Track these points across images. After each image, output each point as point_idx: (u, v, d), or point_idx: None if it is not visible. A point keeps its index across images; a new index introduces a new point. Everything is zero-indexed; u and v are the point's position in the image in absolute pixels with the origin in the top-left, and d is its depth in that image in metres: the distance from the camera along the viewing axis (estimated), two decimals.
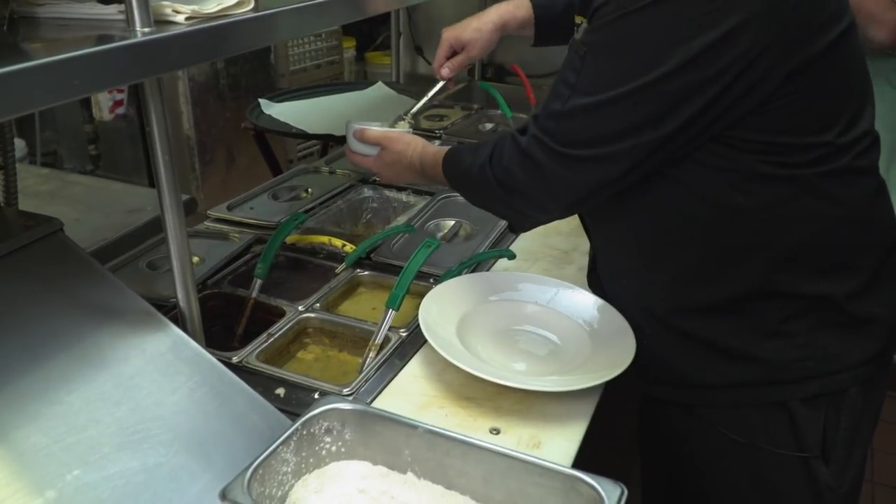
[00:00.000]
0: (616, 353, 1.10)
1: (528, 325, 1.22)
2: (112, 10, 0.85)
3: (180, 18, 0.82)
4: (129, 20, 0.78)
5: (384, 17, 3.03)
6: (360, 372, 1.14)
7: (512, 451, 0.83)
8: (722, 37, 0.83)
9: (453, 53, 1.36)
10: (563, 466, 0.80)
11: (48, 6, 0.90)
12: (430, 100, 1.39)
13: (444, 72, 1.36)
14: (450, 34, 1.34)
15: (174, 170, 0.96)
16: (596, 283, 1.24)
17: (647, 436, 1.31)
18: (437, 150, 1.20)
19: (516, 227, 1.26)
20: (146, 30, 0.79)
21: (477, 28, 1.33)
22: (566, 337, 1.19)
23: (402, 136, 1.24)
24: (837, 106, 0.94)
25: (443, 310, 1.19)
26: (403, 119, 1.38)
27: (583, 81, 0.92)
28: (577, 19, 1.03)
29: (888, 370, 1.09)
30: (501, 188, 1.04)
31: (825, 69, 0.90)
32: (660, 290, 1.07)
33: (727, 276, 1.00)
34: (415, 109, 1.39)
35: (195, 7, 0.84)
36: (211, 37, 0.86)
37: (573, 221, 1.64)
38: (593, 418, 1.08)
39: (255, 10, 0.92)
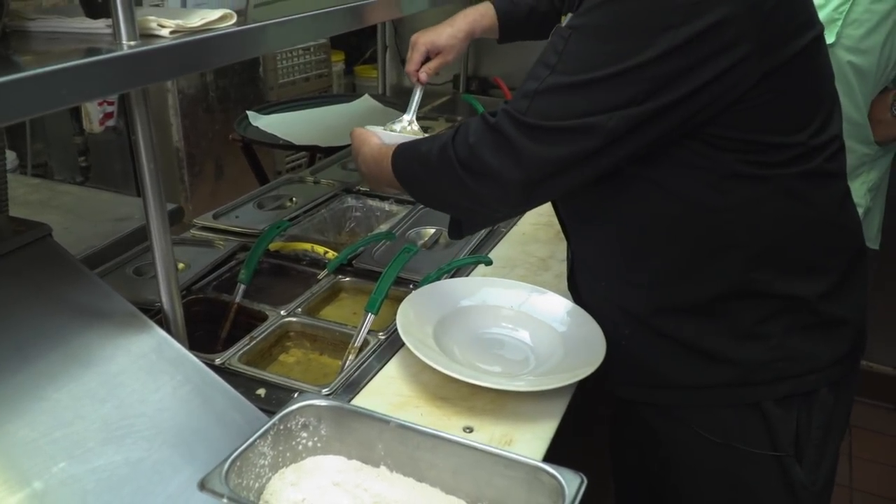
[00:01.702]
0: (587, 354, 1.15)
1: (502, 328, 1.26)
2: (100, 24, 0.89)
3: (165, 32, 0.87)
4: (115, 34, 0.82)
5: (372, 31, 3.09)
6: (340, 374, 1.18)
7: (478, 444, 0.87)
8: (708, 27, 0.86)
9: (426, 58, 1.40)
10: (527, 458, 0.84)
11: (39, 21, 0.94)
12: (419, 105, 1.41)
13: (423, 76, 1.40)
14: (425, 39, 1.38)
15: (159, 178, 0.99)
16: (575, 287, 1.27)
17: (620, 438, 1.35)
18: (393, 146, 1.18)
19: (464, 226, 1.17)
20: (132, 43, 0.83)
21: (452, 35, 1.37)
22: (539, 339, 1.23)
23: (365, 132, 1.21)
24: (810, 108, 0.99)
25: (420, 314, 1.23)
26: (405, 123, 1.38)
27: (564, 62, 0.93)
28: (563, 19, 1.06)
29: (857, 370, 1.14)
30: (464, 170, 1.00)
31: (798, 72, 0.95)
32: (639, 291, 1.10)
33: (704, 276, 1.04)
34: (410, 116, 1.40)
35: (180, 21, 0.89)
36: (194, 50, 0.90)
37: (552, 230, 1.69)
38: (566, 419, 1.12)
39: (238, 24, 0.96)
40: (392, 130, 1.31)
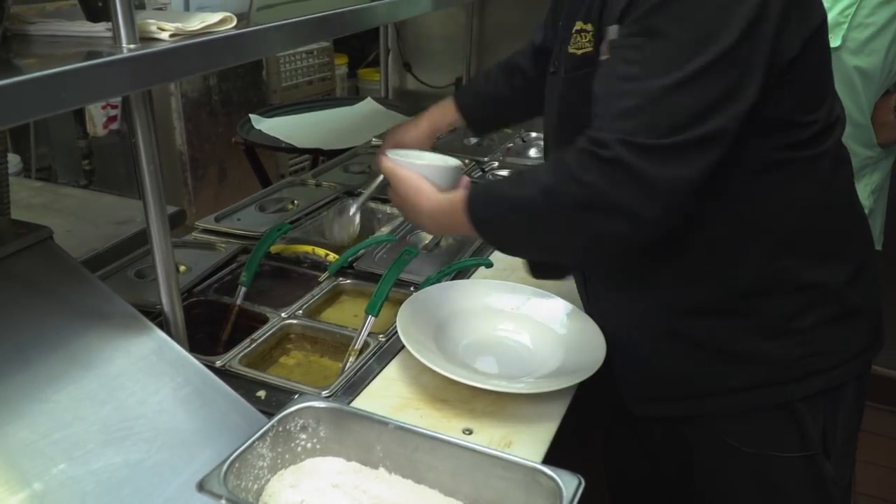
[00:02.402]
0: (587, 357, 1.15)
1: (503, 331, 1.26)
2: (100, 28, 0.89)
3: (165, 35, 0.87)
4: (115, 37, 0.83)
5: (375, 34, 3.10)
6: (340, 375, 1.18)
7: (477, 445, 0.87)
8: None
9: None
10: (525, 460, 0.84)
11: (39, 24, 0.94)
12: (374, 190, 1.32)
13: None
14: (391, 139, 1.37)
15: (159, 180, 1.00)
16: (590, 296, 1.24)
17: (624, 450, 1.34)
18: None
19: (585, 259, 1.09)
20: (132, 46, 0.83)
21: (416, 137, 1.36)
22: (539, 341, 1.23)
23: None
24: (825, 83, 1.01)
25: (420, 316, 1.23)
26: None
27: (651, 67, 0.88)
28: (578, 25, 1.03)
29: (871, 363, 1.14)
30: (584, 211, 0.91)
31: (822, 43, 0.96)
32: (663, 295, 1.08)
33: (731, 270, 1.02)
34: (363, 199, 1.34)
35: (179, 24, 0.89)
36: (194, 53, 0.90)
37: None
38: (565, 422, 1.12)
39: (238, 27, 0.97)
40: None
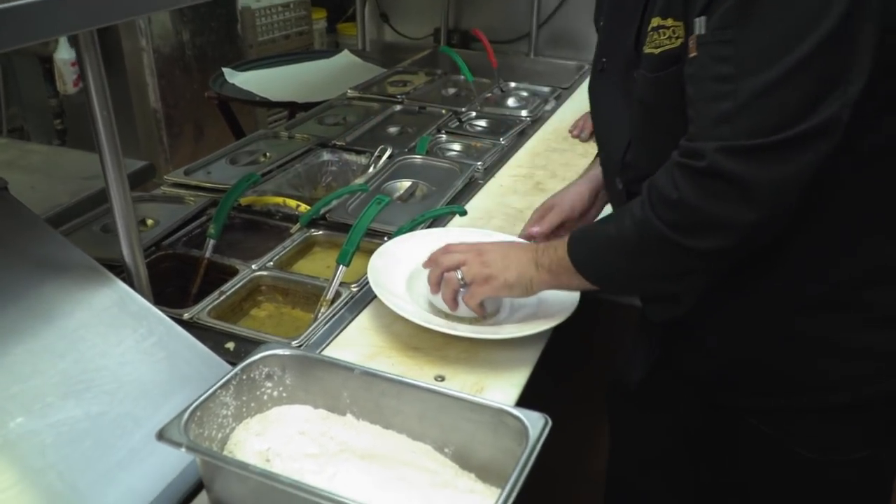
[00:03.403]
0: (561, 301, 1.13)
1: None
2: None
3: None
4: None
5: None
6: (311, 326, 1.16)
7: (443, 388, 0.85)
8: None
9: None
10: (491, 401, 0.82)
11: None
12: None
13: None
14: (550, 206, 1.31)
15: (113, 127, 0.97)
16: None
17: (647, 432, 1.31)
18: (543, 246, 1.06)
19: (684, 298, 1.01)
20: None
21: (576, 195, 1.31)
22: None
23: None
24: None
25: (392, 264, 1.21)
26: None
27: (746, 63, 0.80)
28: (654, 21, 0.92)
29: None
30: (680, 233, 0.86)
31: None
32: (773, 290, 0.98)
33: (842, 261, 0.95)
34: None
35: None
36: None
37: (530, 181, 1.67)
38: (539, 367, 1.11)
39: None
40: None
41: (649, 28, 0.93)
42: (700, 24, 0.84)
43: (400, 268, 1.22)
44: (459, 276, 1.07)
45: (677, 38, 0.89)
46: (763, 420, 1.05)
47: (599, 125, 1.18)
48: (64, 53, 2.64)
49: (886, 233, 0.94)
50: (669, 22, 0.90)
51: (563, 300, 1.12)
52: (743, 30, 0.80)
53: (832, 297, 0.96)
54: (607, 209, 1.25)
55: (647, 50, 0.94)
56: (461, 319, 1.15)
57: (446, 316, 1.15)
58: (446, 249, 1.12)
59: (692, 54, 0.85)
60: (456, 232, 1.35)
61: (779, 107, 0.80)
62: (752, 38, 0.80)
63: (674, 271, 0.94)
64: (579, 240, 1.00)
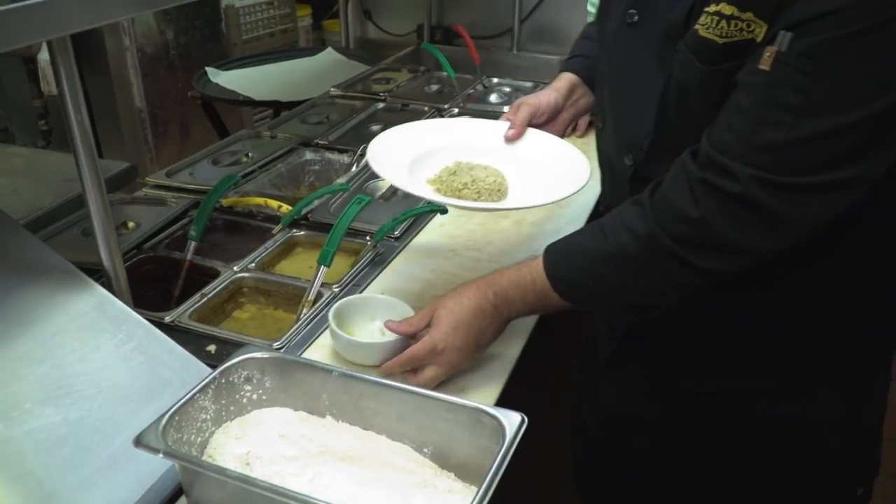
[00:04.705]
0: (572, 174, 1.11)
1: (481, 160, 1.18)
2: None
3: None
4: None
5: None
6: (293, 327, 1.16)
7: (420, 389, 0.86)
8: None
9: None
10: (467, 401, 0.83)
11: None
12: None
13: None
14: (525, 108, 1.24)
15: (88, 129, 0.97)
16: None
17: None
18: (510, 273, 1.00)
19: (681, 296, 0.95)
20: None
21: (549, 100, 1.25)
22: (519, 168, 1.18)
23: (450, 295, 1.02)
24: None
25: (394, 150, 1.16)
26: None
27: (815, 103, 0.77)
28: (725, 8, 0.83)
29: None
30: (689, 248, 0.85)
31: None
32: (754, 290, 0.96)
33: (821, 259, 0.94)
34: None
35: None
36: None
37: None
38: (519, 365, 1.12)
39: None
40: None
41: (711, 10, 0.84)
42: (784, 40, 0.78)
43: (401, 155, 1.16)
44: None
45: (750, 32, 0.82)
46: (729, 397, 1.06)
47: (616, 87, 1.05)
48: (48, 54, 2.62)
49: (875, 234, 0.93)
50: (748, 16, 0.81)
51: (576, 173, 1.11)
52: (827, 68, 0.76)
53: (805, 294, 0.96)
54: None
55: (704, 34, 0.85)
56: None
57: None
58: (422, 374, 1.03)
59: (763, 66, 0.79)
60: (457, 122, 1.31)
61: (830, 153, 0.79)
62: (833, 79, 0.77)
63: (668, 286, 0.92)
64: (557, 254, 0.97)
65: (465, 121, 1.35)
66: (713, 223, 0.83)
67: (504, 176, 1.15)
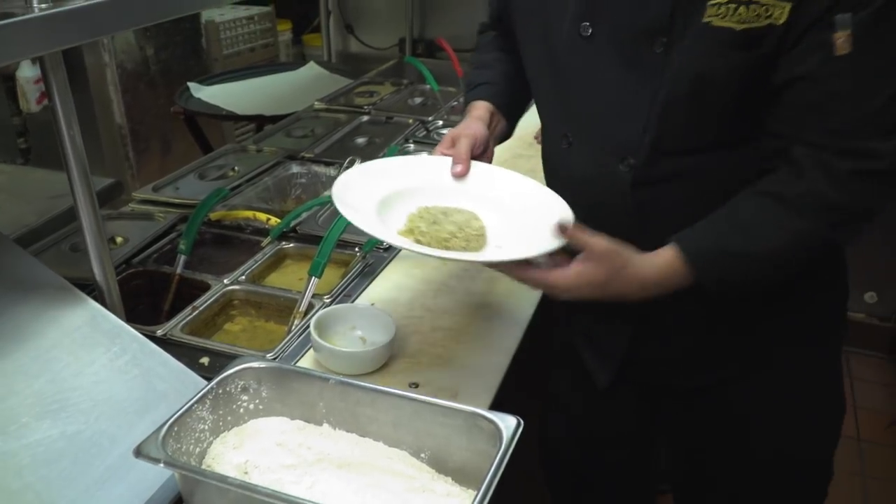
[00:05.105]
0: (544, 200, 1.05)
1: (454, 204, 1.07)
2: None
3: None
4: None
5: None
6: (285, 338, 1.17)
7: (416, 394, 0.87)
8: None
9: None
10: (464, 405, 0.84)
11: None
12: None
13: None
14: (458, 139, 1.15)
15: (81, 147, 0.97)
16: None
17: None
18: (651, 274, 0.95)
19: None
20: (43, 6, 0.80)
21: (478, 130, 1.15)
22: (498, 215, 1.07)
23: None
24: None
25: (360, 190, 1.05)
26: None
27: None
28: (841, 20, 0.85)
29: None
30: (839, 231, 0.92)
31: None
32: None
33: None
34: None
35: None
36: (110, 9, 0.88)
37: None
38: (511, 370, 1.13)
39: None
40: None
41: (723, 0, 0.85)
42: (845, 21, 0.82)
43: (370, 193, 1.05)
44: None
45: (768, 17, 0.84)
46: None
47: (587, 101, 1.02)
48: (27, 71, 2.61)
49: None
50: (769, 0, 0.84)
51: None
52: None
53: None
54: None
55: (719, 23, 0.86)
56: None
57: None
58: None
59: (841, 52, 0.83)
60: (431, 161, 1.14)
61: None
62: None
63: (813, 261, 0.97)
64: (705, 260, 0.93)
65: (409, 160, 1.23)
66: (865, 204, 0.89)
67: (478, 216, 1.06)
